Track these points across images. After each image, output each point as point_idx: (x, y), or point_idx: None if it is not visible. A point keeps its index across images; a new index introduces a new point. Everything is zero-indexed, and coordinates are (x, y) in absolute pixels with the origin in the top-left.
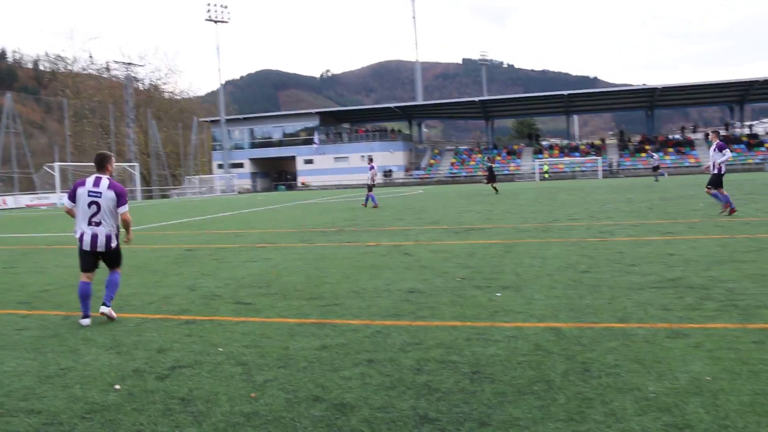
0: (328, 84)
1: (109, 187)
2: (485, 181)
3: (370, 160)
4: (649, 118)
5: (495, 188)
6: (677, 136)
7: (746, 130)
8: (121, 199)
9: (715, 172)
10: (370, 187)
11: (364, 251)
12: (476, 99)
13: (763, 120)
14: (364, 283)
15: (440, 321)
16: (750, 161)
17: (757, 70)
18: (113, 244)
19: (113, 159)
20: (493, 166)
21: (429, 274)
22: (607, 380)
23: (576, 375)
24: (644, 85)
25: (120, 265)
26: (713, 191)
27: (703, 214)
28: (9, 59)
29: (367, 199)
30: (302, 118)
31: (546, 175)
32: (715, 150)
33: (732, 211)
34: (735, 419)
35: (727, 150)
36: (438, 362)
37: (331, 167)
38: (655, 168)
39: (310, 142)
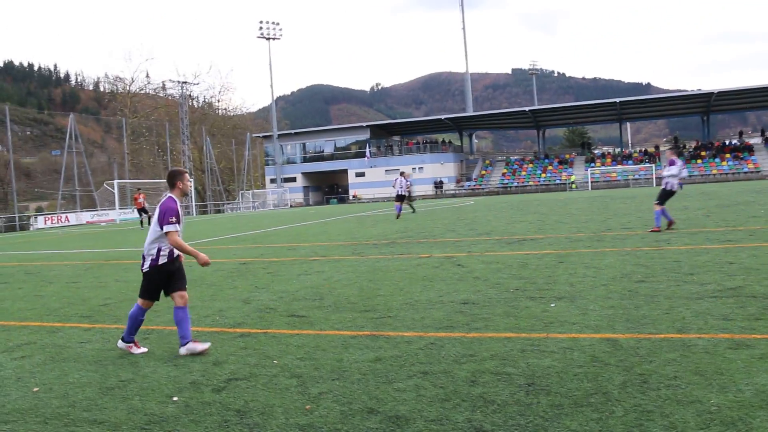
0: (378, 97)
1: (161, 205)
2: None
3: (402, 173)
4: (705, 123)
5: (411, 207)
6: (735, 142)
7: None
8: (161, 216)
9: (663, 187)
10: (401, 198)
11: (416, 263)
12: (526, 109)
13: None
14: (417, 295)
15: (494, 332)
16: None
17: None
18: (144, 267)
19: (184, 175)
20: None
21: (482, 285)
22: (666, 392)
23: (634, 387)
24: (699, 90)
25: (143, 297)
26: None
27: (764, 221)
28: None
29: (400, 210)
30: (353, 132)
31: (573, 186)
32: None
33: (668, 226)
34: None
35: (673, 167)
36: (493, 374)
37: (382, 179)
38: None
39: (361, 155)
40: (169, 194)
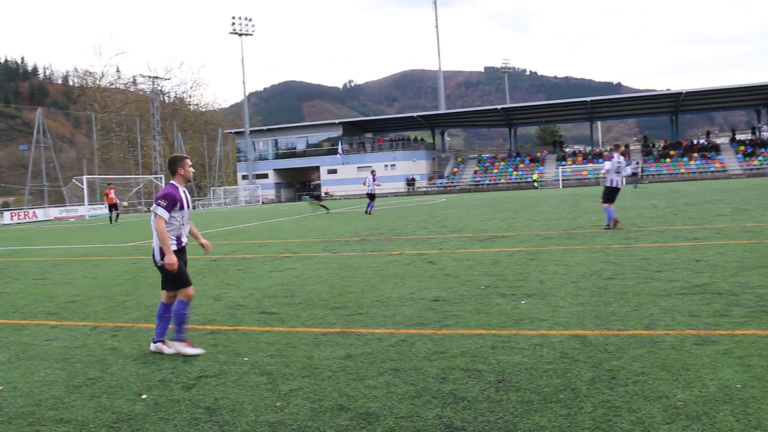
0: (351, 94)
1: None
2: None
3: (372, 172)
4: (674, 123)
5: (324, 207)
6: (702, 141)
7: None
8: (155, 201)
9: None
10: (372, 196)
11: (388, 260)
12: (498, 107)
13: None
14: (388, 292)
15: (465, 329)
16: None
17: None
18: (157, 260)
19: (185, 161)
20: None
21: (453, 282)
22: (634, 388)
23: (602, 383)
24: (668, 90)
25: (176, 289)
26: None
27: (730, 219)
28: (40, 75)
29: (369, 207)
30: (325, 129)
31: (536, 185)
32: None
33: (612, 225)
34: (767, 427)
35: (606, 163)
36: (463, 371)
37: (354, 177)
38: (634, 174)
39: (333, 152)
40: (171, 181)
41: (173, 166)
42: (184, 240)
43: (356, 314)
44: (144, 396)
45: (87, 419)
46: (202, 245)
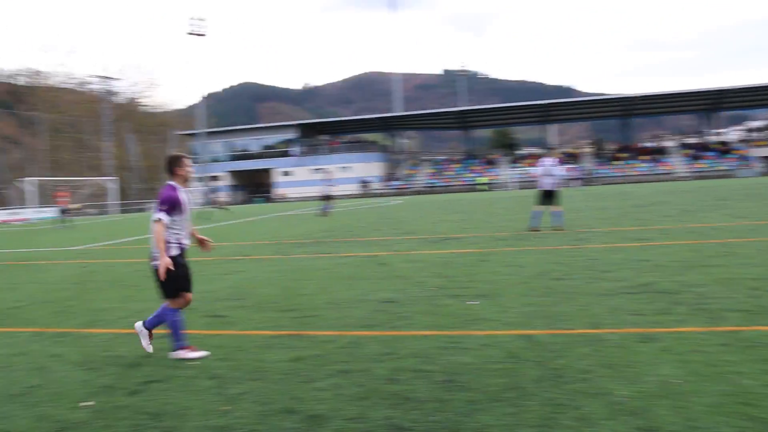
0: (308, 96)
1: (160, 192)
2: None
3: (327, 173)
4: (625, 126)
5: (225, 208)
6: (652, 144)
7: (718, 138)
8: (157, 205)
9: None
10: (327, 198)
11: (340, 262)
12: (453, 109)
13: (734, 128)
14: (339, 294)
15: (415, 330)
16: (721, 168)
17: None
18: (153, 264)
19: (182, 160)
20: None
21: (404, 284)
22: (579, 386)
23: (548, 381)
24: (620, 94)
25: (172, 296)
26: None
27: (676, 220)
28: None
29: (325, 209)
30: (281, 131)
31: (486, 187)
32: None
33: (534, 229)
34: (702, 421)
35: (539, 169)
36: (412, 372)
37: (309, 179)
38: (579, 179)
39: (288, 154)
40: (169, 182)
41: (171, 165)
42: (186, 242)
43: (307, 317)
44: (86, 403)
45: (27, 429)
46: (200, 242)
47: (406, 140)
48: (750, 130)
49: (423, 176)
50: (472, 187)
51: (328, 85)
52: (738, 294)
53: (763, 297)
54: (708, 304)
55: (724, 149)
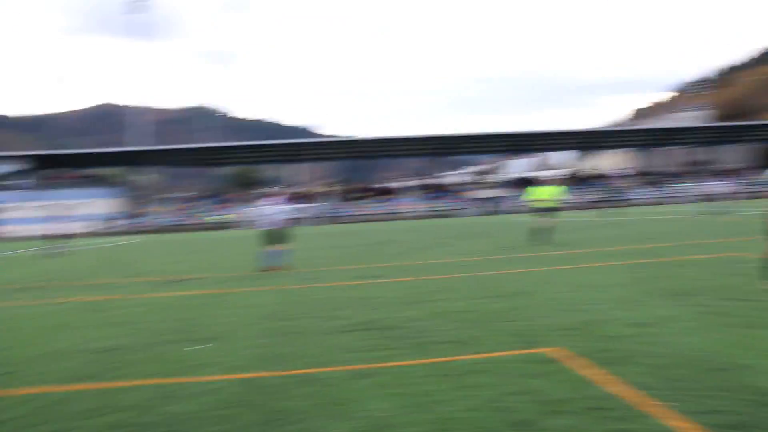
0: (40, 125)
1: None
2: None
3: (59, 209)
4: (367, 167)
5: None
6: (388, 185)
7: (446, 180)
8: None
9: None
10: (57, 237)
11: (52, 309)
12: (195, 146)
13: (459, 171)
14: (50, 345)
15: (135, 380)
16: (446, 208)
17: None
18: None
19: None
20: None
21: (128, 329)
22: (295, 427)
23: (265, 426)
24: (354, 136)
25: None
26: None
27: (405, 257)
28: None
29: (54, 248)
30: (4, 162)
31: (220, 225)
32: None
33: (267, 269)
34: None
35: (257, 209)
36: (130, 426)
37: (35, 216)
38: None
39: (13, 188)
40: None
41: None
42: None
43: (6, 374)
44: None
45: None
46: None
47: (149, 176)
48: (476, 173)
49: (165, 214)
50: (213, 226)
51: (67, 113)
52: (448, 326)
53: (468, 328)
54: (422, 337)
55: (450, 190)
